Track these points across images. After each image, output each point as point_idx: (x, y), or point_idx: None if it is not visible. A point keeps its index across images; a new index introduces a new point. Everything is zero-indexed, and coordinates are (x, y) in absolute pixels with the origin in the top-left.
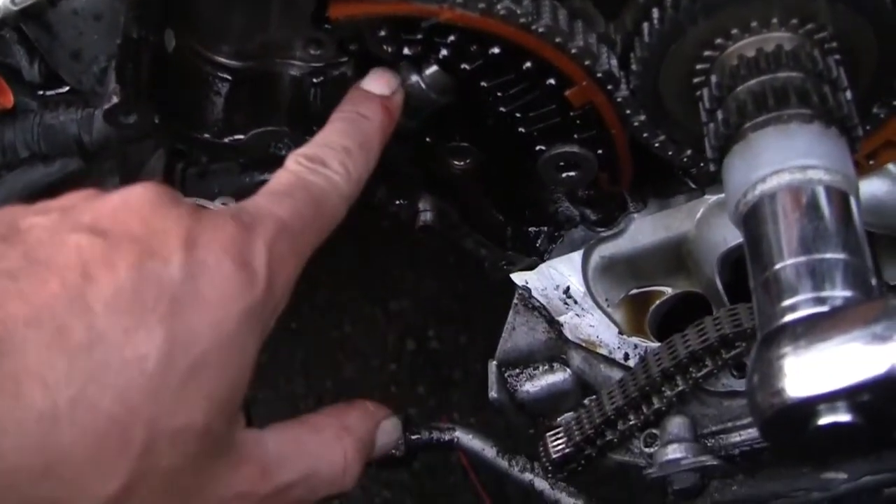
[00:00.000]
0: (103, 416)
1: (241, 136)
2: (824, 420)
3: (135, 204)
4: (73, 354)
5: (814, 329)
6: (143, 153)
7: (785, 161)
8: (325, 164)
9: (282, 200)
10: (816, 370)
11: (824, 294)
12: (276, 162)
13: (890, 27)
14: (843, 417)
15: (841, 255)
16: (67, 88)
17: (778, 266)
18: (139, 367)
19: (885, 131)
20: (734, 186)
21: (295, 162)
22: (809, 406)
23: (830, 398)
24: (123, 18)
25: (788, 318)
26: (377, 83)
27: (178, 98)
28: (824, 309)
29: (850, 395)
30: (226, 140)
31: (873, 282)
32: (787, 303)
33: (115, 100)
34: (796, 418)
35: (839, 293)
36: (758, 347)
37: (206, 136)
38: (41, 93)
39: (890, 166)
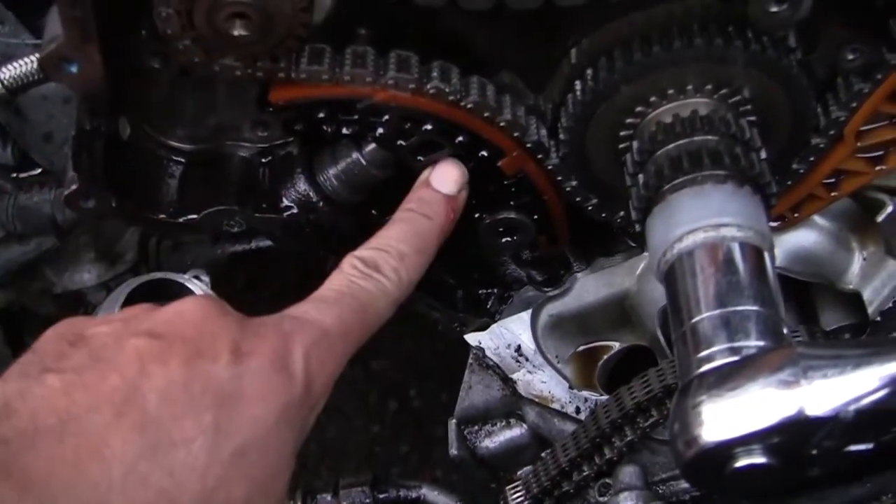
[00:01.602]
0: (152, 490)
1: (195, 216)
2: (741, 462)
3: (187, 313)
4: (127, 435)
5: (727, 378)
6: (118, 229)
7: (700, 220)
8: (379, 269)
9: (328, 308)
10: (730, 416)
11: (738, 344)
12: (245, 234)
13: (799, 89)
14: (759, 459)
15: (754, 307)
16: (40, 170)
17: (695, 319)
18: (186, 448)
19: (806, 185)
20: (655, 246)
21: (350, 265)
22: (725, 450)
23: (745, 441)
24: (76, 110)
25: (704, 367)
26: (445, 182)
27: (134, 181)
28: (737, 358)
29: (762, 438)
30: (180, 220)
31: (784, 330)
32: (703, 354)
33: (73, 186)
34: (714, 462)
35: (752, 343)
36: (677, 396)
37: (162, 216)
38: (14, 175)
39: (816, 217)
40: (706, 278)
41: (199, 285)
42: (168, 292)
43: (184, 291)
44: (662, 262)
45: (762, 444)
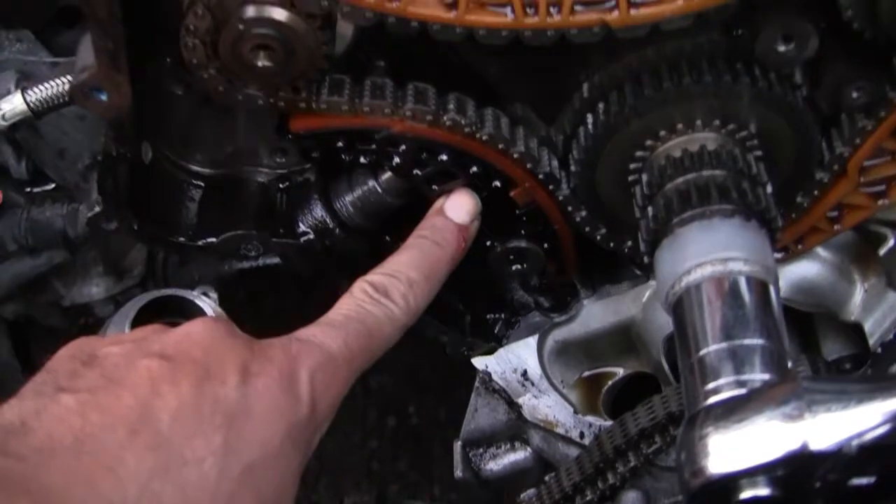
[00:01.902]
0: None
1: (213, 239)
2: (745, 494)
3: (196, 335)
4: (140, 454)
5: (733, 410)
6: (126, 244)
7: (708, 254)
8: (388, 294)
9: (335, 332)
10: (736, 448)
11: (744, 377)
12: None
13: (804, 124)
14: (763, 491)
15: (759, 341)
16: (53, 185)
17: (703, 352)
18: (198, 467)
19: (809, 218)
20: (664, 278)
21: (360, 290)
22: (731, 481)
23: (750, 474)
24: (103, 137)
25: (711, 400)
26: (459, 211)
27: (155, 204)
28: (743, 391)
29: (767, 471)
30: (199, 243)
31: (789, 364)
32: (710, 386)
33: (97, 209)
34: (720, 493)
35: (757, 376)
36: (684, 427)
37: (182, 239)
38: (28, 189)
39: (818, 249)
40: (713, 311)
41: (207, 302)
42: (176, 308)
43: (192, 308)
44: (671, 295)
45: (767, 476)
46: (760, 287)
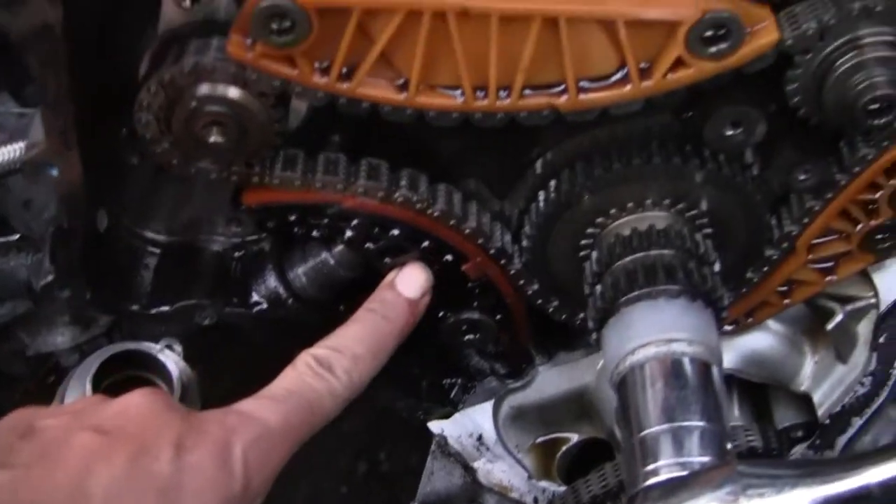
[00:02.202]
0: None
1: (167, 308)
2: None
3: (133, 408)
4: None
5: (671, 493)
6: None
7: (652, 334)
8: (332, 369)
9: (275, 406)
10: None
11: (683, 459)
12: None
13: (753, 204)
14: None
15: (700, 423)
16: (18, 235)
17: (644, 432)
18: None
19: (760, 292)
20: (609, 357)
21: (304, 363)
22: None
23: None
24: (55, 210)
25: (650, 481)
26: (410, 286)
27: (109, 271)
28: (682, 473)
29: None
30: (153, 311)
31: (728, 446)
32: (649, 467)
33: (49, 278)
34: None
35: (696, 458)
36: None
37: (135, 307)
38: None
39: (770, 322)
40: (656, 392)
41: (170, 356)
42: (140, 361)
43: (155, 362)
44: (615, 374)
45: None
46: (703, 368)
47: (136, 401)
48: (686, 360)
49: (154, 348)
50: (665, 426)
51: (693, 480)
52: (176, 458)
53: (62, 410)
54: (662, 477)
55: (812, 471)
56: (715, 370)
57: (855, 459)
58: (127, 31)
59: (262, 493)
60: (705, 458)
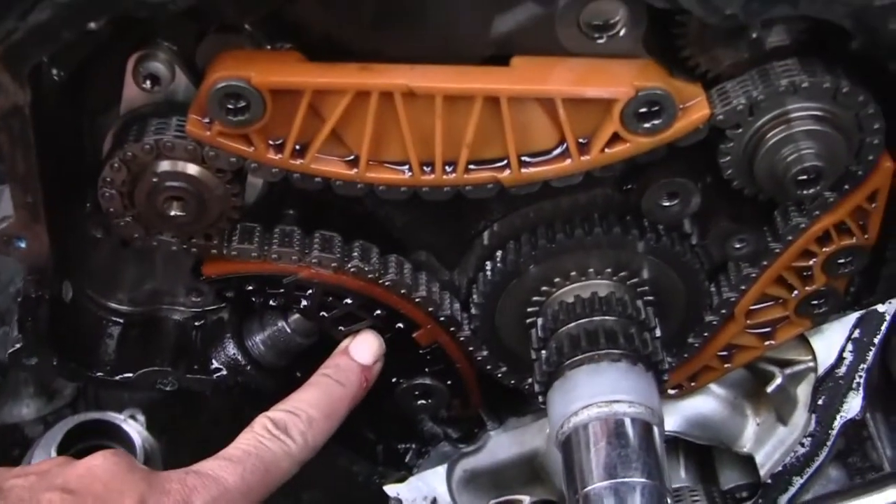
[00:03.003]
0: None
1: (131, 375)
2: None
3: (98, 469)
4: None
5: None
6: None
7: (594, 396)
8: (287, 431)
9: (232, 467)
10: None
11: None
12: None
13: (691, 272)
14: None
15: (641, 479)
16: None
17: (587, 489)
18: None
19: (701, 357)
20: (554, 418)
21: (261, 425)
22: None
23: None
24: (23, 280)
25: None
26: (363, 352)
27: (75, 340)
28: None
29: None
30: (117, 378)
31: (669, 501)
32: None
33: (17, 346)
34: None
35: None
36: None
37: (100, 374)
38: None
39: (713, 386)
40: (598, 450)
41: (133, 426)
42: (104, 431)
43: (119, 431)
44: (560, 434)
45: None
46: (644, 428)
47: (99, 462)
48: (627, 421)
49: (118, 418)
50: (607, 483)
51: None
52: None
53: (29, 471)
54: None
55: None
56: (656, 430)
57: None
58: (91, 112)
59: None
60: None
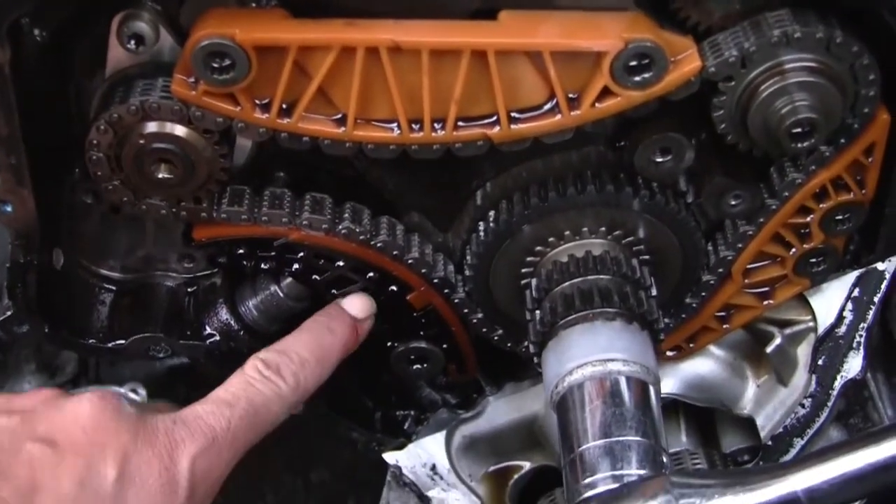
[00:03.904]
0: None
1: (123, 342)
2: None
3: (83, 418)
4: None
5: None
6: None
7: (588, 355)
8: (280, 371)
9: (220, 413)
10: None
11: (619, 472)
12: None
13: (686, 230)
14: None
15: (636, 438)
16: None
17: (582, 448)
18: None
19: (700, 318)
20: (548, 378)
21: (252, 367)
22: None
23: None
24: (10, 245)
25: (587, 494)
26: (355, 305)
27: (66, 307)
28: (617, 486)
29: None
30: (109, 345)
31: (664, 459)
32: (587, 481)
33: (7, 313)
34: None
35: (633, 471)
36: None
37: (92, 341)
38: None
39: (712, 347)
40: (593, 409)
41: (135, 399)
42: None
43: None
44: (554, 394)
45: None
46: (639, 386)
47: (86, 408)
48: (622, 379)
49: (119, 391)
50: (602, 442)
51: (628, 492)
52: (120, 477)
53: (14, 406)
54: (599, 489)
55: (741, 479)
56: (651, 389)
57: (781, 467)
58: (76, 75)
59: (208, 499)
60: (641, 472)
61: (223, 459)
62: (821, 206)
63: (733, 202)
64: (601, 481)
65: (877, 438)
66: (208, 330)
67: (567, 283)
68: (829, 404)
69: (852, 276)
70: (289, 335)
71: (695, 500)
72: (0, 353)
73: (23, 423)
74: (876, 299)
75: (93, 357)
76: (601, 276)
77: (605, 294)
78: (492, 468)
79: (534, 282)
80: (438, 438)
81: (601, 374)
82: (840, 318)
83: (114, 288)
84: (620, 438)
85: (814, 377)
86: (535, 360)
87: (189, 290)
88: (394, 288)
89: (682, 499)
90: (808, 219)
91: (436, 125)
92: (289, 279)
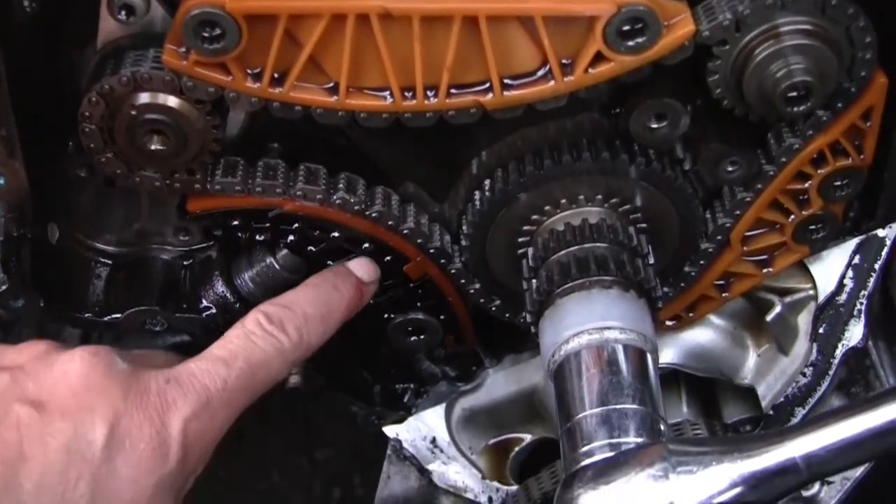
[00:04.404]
0: None
1: (119, 315)
2: None
3: (73, 376)
4: None
5: (603, 472)
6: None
7: (585, 323)
8: (283, 326)
9: (216, 372)
10: None
11: (616, 440)
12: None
13: (684, 197)
14: None
15: (633, 406)
16: None
17: (579, 416)
18: None
19: (698, 286)
20: (545, 347)
21: (253, 320)
22: None
23: None
24: (3, 219)
25: (584, 462)
26: (360, 267)
27: (62, 282)
28: (615, 454)
29: None
30: (105, 319)
31: (662, 427)
32: (584, 449)
33: (2, 288)
34: None
35: (630, 439)
36: (560, 489)
37: (88, 315)
38: None
39: (711, 316)
40: (590, 378)
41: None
42: None
43: None
44: (551, 363)
45: None
46: (637, 354)
47: (76, 366)
48: (619, 347)
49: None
50: (599, 410)
51: (625, 460)
52: (110, 442)
53: (4, 362)
54: (596, 457)
55: (739, 446)
56: (649, 357)
57: (779, 434)
58: (68, 48)
59: (201, 463)
60: (639, 440)
61: (218, 421)
62: (819, 171)
63: (730, 168)
64: (598, 450)
65: (874, 404)
66: (204, 303)
67: (563, 252)
68: (831, 373)
69: (852, 244)
70: (293, 290)
71: (692, 467)
72: (1, 331)
73: (12, 382)
74: (877, 266)
75: (89, 332)
76: (598, 244)
77: (602, 262)
78: (492, 441)
79: (530, 251)
80: (438, 411)
81: (598, 342)
82: (840, 285)
83: (109, 262)
84: (617, 406)
85: (815, 346)
86: (533, 329)
87: (185, 263)
88: (389, 258)
89: (680, 466)
90: (807, 185)
91: (428, 93)
92: (284, 251)
